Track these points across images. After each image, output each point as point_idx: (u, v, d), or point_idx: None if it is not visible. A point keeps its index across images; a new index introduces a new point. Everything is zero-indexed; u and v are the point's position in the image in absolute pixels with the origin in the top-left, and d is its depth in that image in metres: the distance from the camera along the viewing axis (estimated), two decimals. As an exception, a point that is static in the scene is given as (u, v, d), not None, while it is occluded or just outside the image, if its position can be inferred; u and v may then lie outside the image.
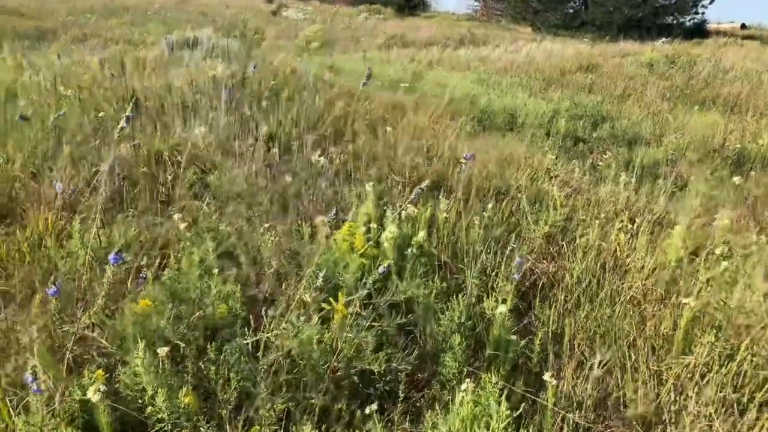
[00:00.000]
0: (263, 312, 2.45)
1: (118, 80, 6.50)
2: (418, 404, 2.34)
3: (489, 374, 2.22)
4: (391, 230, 2.91)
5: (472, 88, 9.32)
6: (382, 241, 3.06)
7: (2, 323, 2.66)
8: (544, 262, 3.44)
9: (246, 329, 2.42)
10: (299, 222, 3.30)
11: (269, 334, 2.13)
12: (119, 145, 4.57)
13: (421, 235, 3.02)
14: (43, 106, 5.75)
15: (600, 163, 6.01)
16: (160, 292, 2.67)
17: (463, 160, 3.14)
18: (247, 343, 2.15)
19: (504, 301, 2.74)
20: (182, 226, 3.19)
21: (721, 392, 2.28)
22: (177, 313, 2.48)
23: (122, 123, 2.94)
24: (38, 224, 3.48)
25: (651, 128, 8.07)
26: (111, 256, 2.21)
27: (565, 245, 3.56)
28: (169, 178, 4.27)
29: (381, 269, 2.42)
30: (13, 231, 3.53)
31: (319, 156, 4.33)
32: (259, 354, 2.12)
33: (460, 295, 2.67)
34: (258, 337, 2.13)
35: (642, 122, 8.38)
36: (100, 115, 5.49)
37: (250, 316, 2.52)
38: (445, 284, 2.91)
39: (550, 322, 2.76)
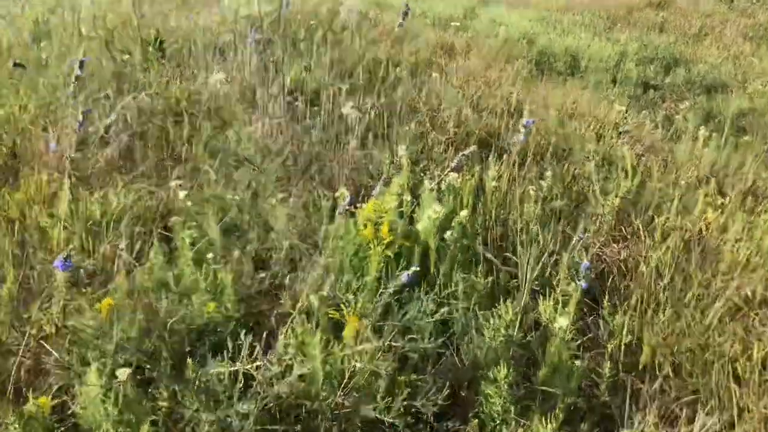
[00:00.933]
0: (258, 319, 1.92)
1: (149, 19, 5.94)
2: (449, 452, 1.78)
3: (543, 419, 1.63)
4: (435, 210, 2.29)
5: (530, 26, 8.38)
6: (417, 220, 2.46)
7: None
8: (614, 245, 2.78)
9: (237, 334, 1.90)
10: (318, 193, 2.72)
11: (250, 366, 1.59)
12: (135, 93, 4.06)
13: (464, 214, 2.40)
14: (69, 48, 5.26)
15: (677, 115, 5.16)
16: (141, 283, 2.18)
17: (521, 128, 2.48)
18: (223, 375, 1.61)
19: (565, 305, 2.12)
20: (182, 194, 2.67)
21: None
22: (154, 312, 1.97)
23: (76, 70, 2.38)
24: (29, 187, 3.02)
25: (732, 73, 7.05)
26: (57, 262, 1.69)
27: (639, 224, 2.87)
28: (185, 132, 3.74)
29: (404, 277, 1.83)
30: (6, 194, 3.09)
31: (352, 108, 3.69)
32: (240, 387, 1.59)
33: (509, 300, 2.06)
34: (236, 368, 1.59)
35: (721, 66, 7.33)
36: (124, 58, 4.97)
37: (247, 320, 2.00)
38: (491, 278, 2.30)
39: (623, 333, 2.13)
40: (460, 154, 2.41)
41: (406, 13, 3.27)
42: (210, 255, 2.22)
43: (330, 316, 1.84)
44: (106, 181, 3.18)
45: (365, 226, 2.21)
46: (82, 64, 2.56)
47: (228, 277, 2.09)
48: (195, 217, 2.63)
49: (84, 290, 2.17)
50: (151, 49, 5.14)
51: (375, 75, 4.79)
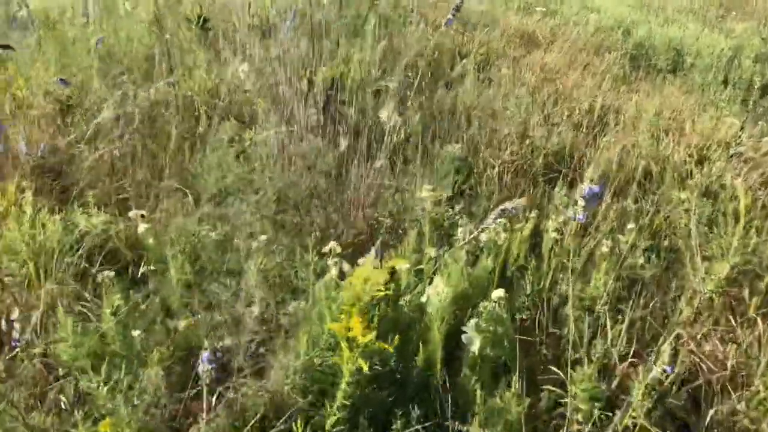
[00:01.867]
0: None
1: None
2: None
3: None
4: (438, 290, 1.56)
5: (627, 13, 7.23)
6: (429, 295, 1.72)
7: None
8: (716, 341, 1.93)
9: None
10: (313, 238, 2.01)
11: None
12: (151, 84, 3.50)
13: (497, 295, 1.64)
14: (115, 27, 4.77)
15: (805, 133, 4.06)
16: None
17: (579, 201, 1.65)
18: None
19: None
20: (142, 228, 2.04)
21: None
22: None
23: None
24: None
25: None
26: None
27: (754, 310, 2.00)
28: (198, 131, 3.13)
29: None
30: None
31: (391, 112, 2.95)
32: None
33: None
34: None
35: None
36: (166, 37, 4.41)
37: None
38: (528, 400, 1.53)
39: None
40: (499, 208, 1.65)
41: (458, 8, 2.45)
42: (136, 332, 1.59)
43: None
44: (87, 192, 2.63)
45: (346, 310, 1.50)
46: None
47: (150, 373, 1.46)
48: (157, 257, 2.02)
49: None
50: (193, 28, 4.55)
51: (435, 69, 4.01)
